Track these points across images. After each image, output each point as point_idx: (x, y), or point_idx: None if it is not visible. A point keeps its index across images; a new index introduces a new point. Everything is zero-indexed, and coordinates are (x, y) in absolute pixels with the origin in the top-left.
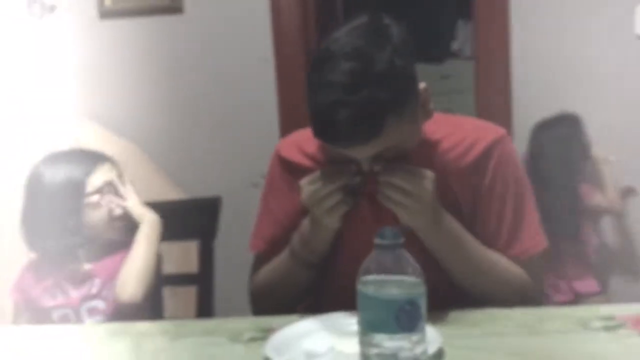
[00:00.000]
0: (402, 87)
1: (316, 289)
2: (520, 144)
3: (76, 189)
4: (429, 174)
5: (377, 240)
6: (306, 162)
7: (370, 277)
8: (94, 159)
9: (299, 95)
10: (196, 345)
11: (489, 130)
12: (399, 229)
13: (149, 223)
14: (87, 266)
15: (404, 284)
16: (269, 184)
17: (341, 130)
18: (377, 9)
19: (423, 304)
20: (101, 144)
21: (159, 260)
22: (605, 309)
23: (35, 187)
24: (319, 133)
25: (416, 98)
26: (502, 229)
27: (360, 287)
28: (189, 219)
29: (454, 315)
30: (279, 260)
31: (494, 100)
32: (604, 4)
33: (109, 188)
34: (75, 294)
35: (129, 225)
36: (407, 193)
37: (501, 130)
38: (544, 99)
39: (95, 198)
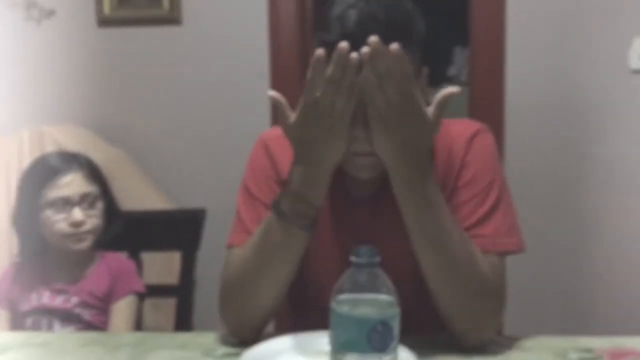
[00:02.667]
0: (414, 31)
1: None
2: (511, 173)
3: (35, 197)
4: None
5: (352, 258)
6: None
7: (344, 296)
8: (62, 166)
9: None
10: (169, 358)
11: (468, 126)
12: (375, 248)
13: None
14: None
15: (377, 303)
16: (252, 173)
17: (352, 24)
18: None
19: (396, 325)
20: (91, 150)
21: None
22: (584, 341)
23: (18, 189)
24: (328, 35)
25: (421, 62)
26: (472, 216)
27: (334, 306)
28: (173, 230)
29: (429, 339)
30: (261, 237)
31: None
32: (599, 37)
33: (77, 200)
34: (50, 302)
35: (95, 238)
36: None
37: (479, 125)
38: (536, 127)
39: (50, 210)
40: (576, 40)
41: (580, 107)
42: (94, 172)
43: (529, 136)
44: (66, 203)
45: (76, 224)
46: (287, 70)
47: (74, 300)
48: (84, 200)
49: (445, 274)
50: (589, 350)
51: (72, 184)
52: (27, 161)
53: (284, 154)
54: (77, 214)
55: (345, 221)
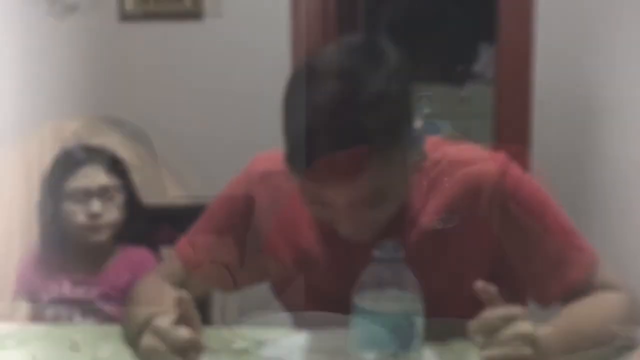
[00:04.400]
0: (395, 116)
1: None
2: (537, 172)
3: (57, 188)
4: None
5: (376, 253)
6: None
7: (367, 292)
8: (84, 158)
9: None
10: None
11: (488, 162)
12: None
13: None
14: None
15: (401, 299)
16: (228, 195)
17: (318, 162)
18: (398, 29)
19: (419, 321)
20: (112, 144)
21: None
22: None
23: (41, 181)
24: (292, 163)
25: (410, 133)
26: (554, 259)
27: (356, 301)
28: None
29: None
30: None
31: (512, 126)
32: (631, 36)
33: (96, 192)
34: (70, 293)
35: (114, 232)
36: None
37: (501, 158)
38: (564, 127)
39: (70, 201)
40: (606, 37)
41: (609, 109)
42: (115, 166)
43: (557, 135)
44: (85, 194)
45: (94, 216)
46: None
47: (95, 292)
48: (103, 193)
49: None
50: None
51: (92, 175)
52: (48, 156)
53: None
54: (95, 205)
55: (346, 267)
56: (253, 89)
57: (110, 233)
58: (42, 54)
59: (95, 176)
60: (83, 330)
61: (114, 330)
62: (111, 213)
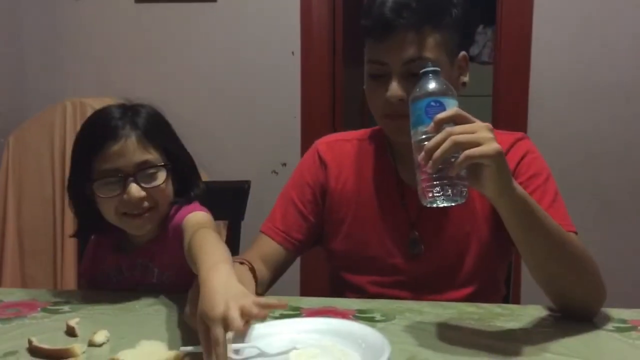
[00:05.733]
0: (446, 17)
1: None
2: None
3: (83, 173)
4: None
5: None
6: (337, 162)
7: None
8: (113, 129)
9: (321, 89)
10: None
11: (508, 135)
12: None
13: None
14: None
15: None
16: (298, 175)
17: (387, 10)
18: None
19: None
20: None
21: None
22: (617, 313)
23: (71, 159)
24: (368, 20)
25: (458, 45)
26: (541, 203)
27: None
28: (221, 200)
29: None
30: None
31: (510, 107)
32: (631, 20)
33: (128, 171)
34: (128, 273)
35: (160, 216)
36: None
37: (519, 133)
38: (561, 110)
39: (102, 185)
40: (605, 22)
41: (603, 90)
42: (153, 134)
43: (553, 116)
44: (119, 176)
45: (132, 203)
46: (317, 48)
47: (155, 270)
48: (141, 171)
49: (559, 259)
50: (623, 321)
51: (124, 151)
52: (70, 127)
53: (334, 160)
54: (133, 189)
55: (397, 206)
56: (265, 68)
57: (157, 220)
58: (60, 34)
59: (128, 153)
60: (79, 316)
61: (109, 318)
62: (155, 195)
